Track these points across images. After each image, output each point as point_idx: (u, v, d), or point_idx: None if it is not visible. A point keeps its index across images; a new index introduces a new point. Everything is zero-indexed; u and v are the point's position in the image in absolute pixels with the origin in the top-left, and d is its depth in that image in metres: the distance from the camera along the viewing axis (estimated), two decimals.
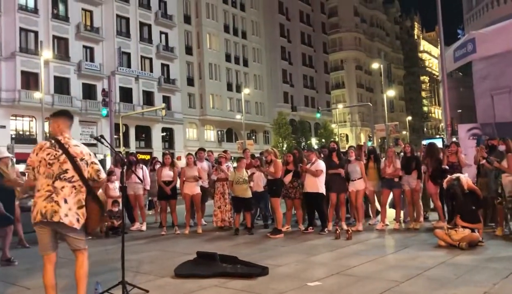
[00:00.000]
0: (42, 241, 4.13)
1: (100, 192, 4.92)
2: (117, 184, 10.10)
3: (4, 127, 32.59)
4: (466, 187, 7.54)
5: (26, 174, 4.18)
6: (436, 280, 5.09)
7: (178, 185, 10.12)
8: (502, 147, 8.31)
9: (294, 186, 9.32)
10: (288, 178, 9.33)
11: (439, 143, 16.60)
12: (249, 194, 9.28)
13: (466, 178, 7.80)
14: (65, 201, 4.02)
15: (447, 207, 8.92)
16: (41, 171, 4.09)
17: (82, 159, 4.13)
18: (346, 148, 10.28)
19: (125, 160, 6.46)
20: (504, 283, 4.89)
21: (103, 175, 4.25)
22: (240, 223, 9.64)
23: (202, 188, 10.15)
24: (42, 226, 4.05)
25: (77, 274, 4.18)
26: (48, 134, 33.55)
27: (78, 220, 4.07)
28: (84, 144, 4.45)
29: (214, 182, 10.19)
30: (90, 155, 4.22)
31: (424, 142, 16.59)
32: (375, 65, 54.35)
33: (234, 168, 9.75)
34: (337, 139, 58.09)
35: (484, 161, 8.55)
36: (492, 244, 7.10)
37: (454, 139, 13.82)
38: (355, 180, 9.21)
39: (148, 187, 10.88)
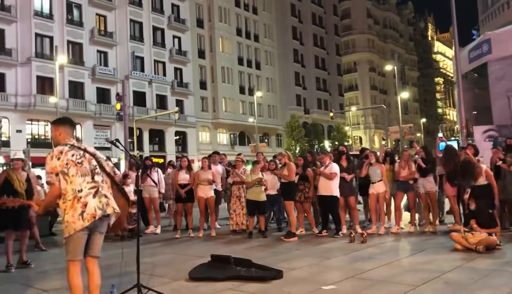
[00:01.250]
0: (79, 245, 3.95)
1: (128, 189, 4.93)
2: (132, 187, 10.16)
3: (20, 131, 33.05)
4: (484, 172, 7.49)
5: (48, 183, 4.09)
6: (453, 284, 5.02)
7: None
8: None
9: (300, 190, 9.29)
10: None
11: (454, 145, 16.41)
12: (263, 198, 9.27)
13: (487, 167, 7.80)
14: (110, 194, 4.12)
15: (463, 210, 8.83)
16: (72, 172, 3.97)
17: (98, 157, 4.24)
18: (359, 150, 10.26)
19: (140, 163, 6.50)
20: None
21: (118, 172, 4.34)
22: (254, 226, 9.64)
23: (215, 191, 10.18)
24: (87, 228, 3.93)
25: (94, 285, 4.03)
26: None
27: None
28: (98, 147, 4.51)
29: (231, 185, 10.21)
30: (101, 154, 4.35)
31: (440, 134, 16.46)
32: (388, 67, 53.89)
33: (250, 171, 9.76)
34: (350, 142, 57.88)
35: (500, 162, 8.45)
36: (510, 248, 6.99)
37: (469, 141, 13.67)
38: (376, 182, 9.15)
39: (163, 190, 10.94)
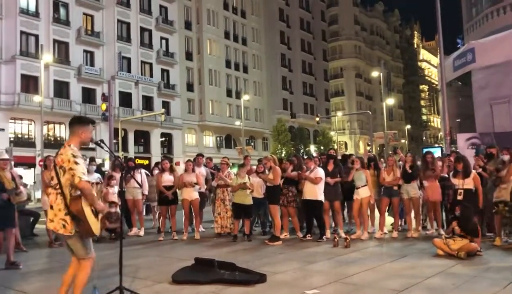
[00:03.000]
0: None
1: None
2: (116, 189, 10.08)
3: (3, 130, 32.52)
4: (472, 177, 7.57)
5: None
6: (435, 290, 5.08)
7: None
8: (506, 157, 8.30)
9: (283, 193, 9.29)
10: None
11: (438, 152, 16.64)
12: (249, 201, 9.27)
13: (475, 173, 7.94)
14: (51, 207, 4.11)
15: (446, 216, 8.95)
16: None
17: (61, 167, 4.09)
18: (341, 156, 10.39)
19: (124, 164, 6.46)
20: (502, 293, 4.88)
21: (76, 180, 4.01)
22: (239, 230, 9.62)
23: (201, 194, 10.14)
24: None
25: (75, 284, 4.22)
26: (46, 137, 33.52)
27: (64, 226, 4.05)
28: (83, 148, 4.41)
29: (215, 188, 10.18)
30: (69, 161, 4.05)
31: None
32: (374, 73, 54.41)
33: (236, 174, 9.74)
34: (335, 147, 58.20)
35: (480, 170, 8.58)
36: (490, 254, 7.10)
37: (453, 148, 13.87)
38: (360, 187, 9.21)
39: (146, 192, 10.87)
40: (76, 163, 4.05)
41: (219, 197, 9.91)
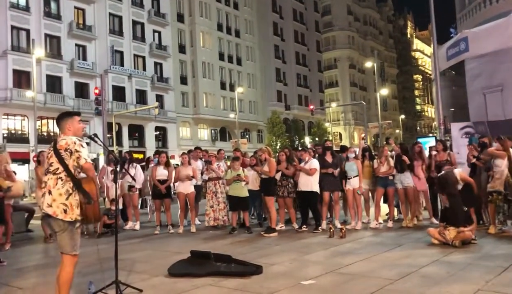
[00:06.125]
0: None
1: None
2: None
3: None
4: (459, 178, 7.56)
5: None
6: (430, 278, 5.11)
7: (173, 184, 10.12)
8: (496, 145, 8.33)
9: (283, 185, 9.31)
10: (277, 176, 9.33)
11: (432, 142, 16.67)
12: (245, 193, 9.26)
13: (460, 171, 7.88)
14: (49, 193, 4.06)
15: (440, 205, 8.97)
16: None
17: (66, 150, 4.10)
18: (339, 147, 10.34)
19: (118, 158, 6.43)
20: (496, 281, 4.92)
21: (82, 161, 4.09)
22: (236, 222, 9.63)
23: (197, 187, 10.14)
24: (45, 221, 4.16)
25: (58, 279, 4.07)
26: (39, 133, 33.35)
27: (65, 211, 3.99)
28: None
29: (206, 181, 10.18)
30: (75, 143, 4.13)
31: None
32: (368, 64, 54.49)
33: (229, 167, 9.73)
34: (330, 138, 58.30)
35: (474, 159, 8.61)
36: (485, 242, 7.14)
37: (447, 138, 13.90)
38: (351, 178, 9.23)
39: (138, 186, 10.84)
40: (82, 146, 4.17)
41: (210, 190, 9.90)
